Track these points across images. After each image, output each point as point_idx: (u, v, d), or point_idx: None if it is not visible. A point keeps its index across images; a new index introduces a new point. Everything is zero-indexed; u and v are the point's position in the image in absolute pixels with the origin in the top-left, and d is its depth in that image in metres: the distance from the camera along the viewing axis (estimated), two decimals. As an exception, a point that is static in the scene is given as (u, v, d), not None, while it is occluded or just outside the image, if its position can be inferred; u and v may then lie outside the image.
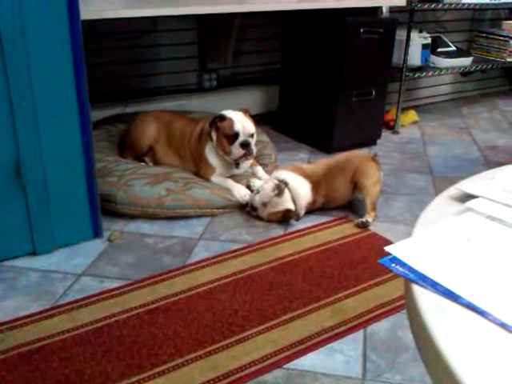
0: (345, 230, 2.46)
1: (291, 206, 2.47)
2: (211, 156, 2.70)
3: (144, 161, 2.85)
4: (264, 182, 2.58)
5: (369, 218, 2.51)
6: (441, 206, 0.95)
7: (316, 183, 2.55)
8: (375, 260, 2.23)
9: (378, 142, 3.60)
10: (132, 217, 2.50)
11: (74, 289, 2.03)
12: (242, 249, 2.29)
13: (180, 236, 2.39)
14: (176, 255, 2.25)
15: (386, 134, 3.74)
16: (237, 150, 2.59)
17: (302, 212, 2.53)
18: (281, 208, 2.47)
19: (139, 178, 2.53)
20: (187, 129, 2.81)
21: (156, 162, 2.85)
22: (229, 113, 2.66)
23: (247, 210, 2.58)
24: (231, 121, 2.60)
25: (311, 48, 3.38)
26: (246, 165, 2.79)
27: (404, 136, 3.80)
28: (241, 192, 2.59)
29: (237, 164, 2.73)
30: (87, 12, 2.23)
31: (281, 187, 2.45)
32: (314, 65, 3.38)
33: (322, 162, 2.73)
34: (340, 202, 2.65)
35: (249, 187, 2.65)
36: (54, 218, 2.21)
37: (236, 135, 2.58)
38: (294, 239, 2.38)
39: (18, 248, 2.18)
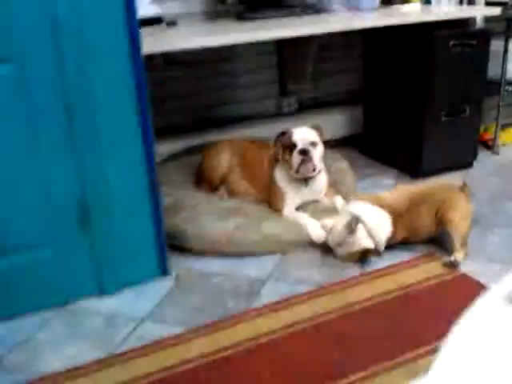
0: (430, 270, 2.21)
1: (368, 244, 2.26)
2: (279, 178, 2.58)
3: (218, 191, 2.76)
4: (336, 219, 2.37)
5: (458, 256, 2.23)
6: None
7: (397, 214, 2.31)
8: (464, 308, 1.96)
9: (475, 164, 3.27)
10: (201, 253, 2.40)
11: (134, 335, 1.96)
12: (311, 292, 2.11)
13: (248, 275, 2.26)
14: (241, 297, 2.12)
15: (483, 154, 3.41)
16: (295, 158, 2.47)
17: (383, 247, 2.30)
18: (356, 248, 2.26)
19: (210, 214, 2.44)
20: (260, 155, 2.71)
21: (231, 193, 2.75)
22: (292, 128, 2.56)
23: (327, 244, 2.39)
24: (290, 133, 2.52)
25: (396, 65, 3.15)
26: (317, 185, 2.61)
27: (504, 157, 3.44)
28: (316, 231, 2.42)
29: (305, 182, 2.57)
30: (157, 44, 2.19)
31: (352, 225, 2.24)
32: (400, 83, 3.14)
33: (404, 189, 2.48)
34: (423, 236, 2.39)
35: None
36: (119, 257, 2.16)
37: (294, 145, 2.48)
38: (370, 281, 2.16)
39: (83, 288, 2.15)
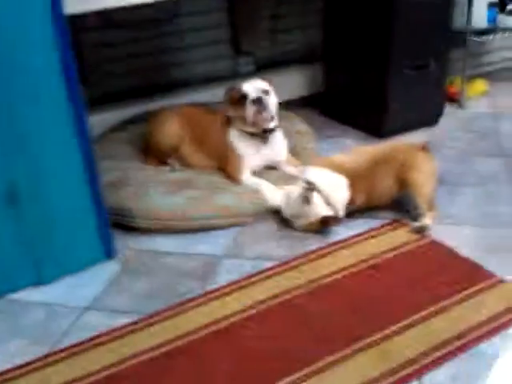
0: (398, 238, 2.05)
1: (326, 212, 2.08)
2: (235, 139, 2.40)
3: (168, 164, 2.54)
4: (289, 188, 2.18)
5: (427, 220, 2.08)
6: None
7: (355, 178, 2.13)
8: (435, 277, 1.82)
9: (441, 120, 3.11)
10: (151, 231, 2.20)
11: (77, 327, 1.76)
12: (272, 268, 1.93)
13: (203, 253, 2.07)
14: (196, 278, 1.93)
15: (450, 109, 3.24)
16: (249, 109, 2.30)
17: (342, 213, 2.13)
18: (314, 217, 2.09)
19: (158, 187, 2.22)
20: (211, 121, 2.50)
21: (184, 165, 2.53)
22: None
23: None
24: (239, 86, 2.37)
25: (356, 19, 2.94)
26: (276, 143, 2.44)
27: (471, 111, 3.28)
28: (273, 195, 2.23)
29: (264, 139, 2.39)
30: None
31: (307, 194, 2.05)
32: (361, 37, 2.93)
33: (362, 151, 2.30)
34: (383, 200, 2.22)
35: None
36: (56, 241, 1.94)
37: (245, 96, 2.31)
38: (335, 252, 2.00)
39: (19, 278, 1.93)
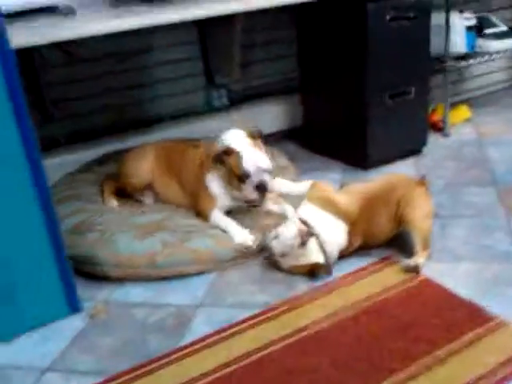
0: (388, 278, 1.88)
1: (319, 259, 1.91)
2: (213, 185, 2.19)
3: (140, 200, 2.38)
4: (284, 223, 2.00)
5: (419, 259, 1.92)
6: None
7: (352, 221, 1.97)
8: (431, 322, 1.65)
9: (425, 149, 2.99)
10: (121, 280, 2.01)
11: (33, 393, 1.56)
12: (253, 317, 1.75)
13: (176, 304, 1.88)
14: (168, 333, 1.74)
15: (434, 138, 3.12)
16: (250, 194, 2.09)
17: (333, 262, 1.97)
18: (305, 262, 1.92)
19: (126, 231, 2.05)
20: (186, 155, 2.33)
21: (156, 200, 2.38)
22: (233, 141, 2.13)
23: (266, 256, 2.04)
24: (239, 157, 2.07)
25: (331, 47, 2.83)
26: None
27: (456, 138, 3.16)
28: (243, 237, 2.06)
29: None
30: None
31: (304, 237, 1.89)
32: (337, 67, 2.83)
33: (359, 189, 2.10)
34: (381, 240, 2.06)
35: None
36: (14, 296, 1.76)
37: (247, 175, 2.06)
38: (321, 297, 1.82)
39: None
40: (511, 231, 2.13)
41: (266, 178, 2.08)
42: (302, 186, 2.16)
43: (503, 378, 1.43)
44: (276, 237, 1.95)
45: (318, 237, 1.91)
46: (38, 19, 2.16)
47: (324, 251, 1.91)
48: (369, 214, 2.00)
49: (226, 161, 2.10)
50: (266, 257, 2.05)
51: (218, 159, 2.12)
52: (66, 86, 2.68)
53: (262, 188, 2.06)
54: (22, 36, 1.77)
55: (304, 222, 1.95)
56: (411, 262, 1.92)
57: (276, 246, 1.96)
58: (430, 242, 1.99)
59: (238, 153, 2.08)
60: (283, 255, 1.95)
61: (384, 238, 2.06)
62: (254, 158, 2.07)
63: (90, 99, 2.78)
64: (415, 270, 1.89)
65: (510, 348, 1.52)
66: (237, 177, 2.08)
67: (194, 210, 2.24)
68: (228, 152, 2.10)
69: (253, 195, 2.08)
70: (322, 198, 2.03)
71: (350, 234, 1.97)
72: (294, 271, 1.95)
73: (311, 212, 2.00)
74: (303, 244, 1.89)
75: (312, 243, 1.90)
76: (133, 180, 2.35)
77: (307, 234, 1.89)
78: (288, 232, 1.92)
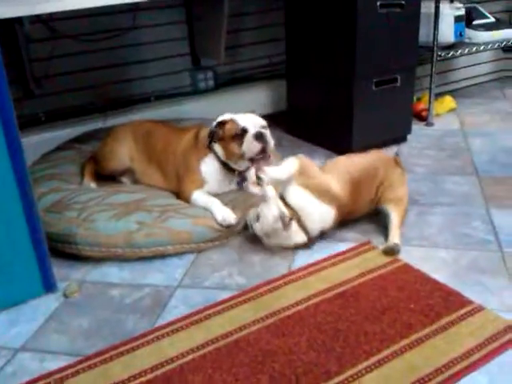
0: (366, 263, 1.88)
1: (301, 240, 1.93)
2: (208, 169, 2.18)
3: (119, 181, 2.36)
4: (265, 204, 1.97)
5: (396, 238, 1.93)
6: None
7: (341, 205, 1.98)
8: (408, 305, 1.65)
9: (409, 137, 2.99)
10: (98, 260, 1.99)
11: (6, 371, 1.53)
12: (230, 299, 1.74)
13: (153, 284, 1.87)
14: (144, 313, 1.72)
15: (418, 126, 3.13)
16: (252, 145, 2.06)
17: (315, 240, 1.98)
18: (288, 243, 1.94)
19: (104, 211, 2.02)
20: (172, 139, 2.31)
21: (135, 181, 2.35)
22: (227, 115, 2.17)
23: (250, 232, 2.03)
24: (233, 120, 2.12)
25: (319, 32, 2.81)
26: (249, 180, 2.24)
27: (440, 128, 3.17)
28: (224, 214, 2.04)
29: (241, 179, 2.21)
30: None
31: (285, 220, 1.88)
32: (324, 52, 2.81)
33: (344, 169, 2.07)
34: (359, 215, 2.10)
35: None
36: (-12, 274, 1.73)
37: (244, 130, 2.08)
38: (299, 280, 1.81)
39: None
40: (489, 220, 2.14)
41: (264, 130, 2.09)
42: (287, 167, 2.04)
43: (477, 361, 1.43)
44: (258, 218, 1.95)
45: (300, 219, 1.91)
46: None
47: (307, 232, 1.92)
48: (354, 197, 2.01)
49: (222, 131, 2.11)
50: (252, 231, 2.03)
51: (213, 134, 2.13)
52: (49, 63, 2.63)
53: (261, 138, 2.06)
54: (5, 8, 1.73)
55: (287, 204, 1.93)
56: (389, 242, 1.92)
57: (258, 227, 1.96)
58: (403, 223, 2.04)
59: (231, 119, 2.13)
60: (266, 236, 1.95)
61: (361, 214, 2.10)
62: (248, 117, 2.14)
63: (72, 76, 2.74)
64: (394, 250, 1.90)
65: (485, 332, 1.52)
66: (235, 138, 2.08)
67: (175, 192, 2.21)
68: (222, 122, 2.13)
69: (255, 147, 2.06)
70: (312, 184, 1.97)
71: (336, 215, 1.97)
72: (275, 248, 1.96)
73: (298, 195, 1.96)
74: (285, 227, 1.89)
75: (295, 226, 1.90)
76: (111, 163, 2.33)
77: (288, 217, 1.88)
78: (269, 214, 1.91)
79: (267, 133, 2.10)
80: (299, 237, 1.94)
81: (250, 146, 2.07)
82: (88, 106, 2.82)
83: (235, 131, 2.09)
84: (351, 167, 2.08)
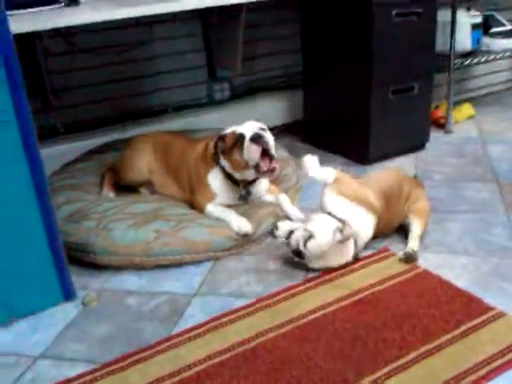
0: (386, 269, 1.87)
1: (351, 255, 1.89)
2: (215, 181, 2.18)
3: (139, 192, 2.37)
4: (316, 220, 1.87)
5: (415, 246, 1.91)
6: None
7: (379, 215, 1.96)
8: (428, 312, 1.63)
9: (428, 145, 2.97)
10: (116, 268, 2.00)
11: (26, 378, 1.54)
12: (247, 306, 1.74)
13: (171, 292, 1.87)
14: (162, 321, 1.72)
15: (436, 134, 3.10)
16: (251, 148, 2.03)
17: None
18: (345, 259, 1.87)
19: (122, 220, 2.03)
20: (186, 151, 2.32)
21: (153, 192, 2.36)
22: (230, 129, 2.16)
23: (293, 256, 1.90)
24: (231, 131, 2.13)
25: (335, 42, 2.82)
26: (260, 190, 2.24)
27: (459, 135, 3.14)
28: (240, 223, 2.04)
29: (246, 193, 2.19)
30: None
31: (344, 231, 1.81)
32: (341, 61, 2.81)
33: (376, 184, 2.03)
34: (391, 230, 2.08)
35: (273, 233, 1.95)
36: (7, 282, 1.74)
37: (242, 136, 2.06)
38: (316, 287, 1.80)
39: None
40: (510, 227, 2.11)
41: (262, 132, 2.07)
42: (326, 173, 2.00)
43: (499, 368, 1.41)
44: (310, 237, 1.81)
45: (353, 231, 1.84)
46: (41, 9, 2.15)
47: (356, 246, 1.88)
48: (388, 209, 1.99)
49: (225, 143, 2.11)
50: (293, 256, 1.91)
51: (216, 148, 2.13)
52: (67, 76, 2.67)
53: (258, 139, 2.02)
54: (22, 23, 1.76)
55: (341, 221, 1.84)
56: (408, 249, 1.90)
57: (313, 246, 1.81)
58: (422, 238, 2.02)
59: (232, 131, 2.12)
60: (321, 255, 1.84)
61: (393, 228, 2.08)
62: (246, 124, 2.12)
63: (90, 89, 2.77)
64: (413, 256, 1.88)
65: (507, 338, 1.50)
66: (235, 146, 2.06)
67: (190, 204, 2.22)
68: (224, 136, 2.13)
69: (255, 150, 2.02)
70: (350, 191, 1.93)
71: (376, 226, 1.95)
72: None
73: (343, 205, 1.89)
74: (345, 239, 1.82)
75: (350, 241, 1.85)
76: (130, 174, 2.34)
77: (347, 229, 1.82)
78: (325, 228, 1.82)
79: (265, 134, 2.07)
80: (351, 252, 1.87)
81: (250, 149, 2.04)
82: (106, 117, 2.85)
83: (234, 140, 2.08)
84: (382, 181, 2.07)
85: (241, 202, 2.21)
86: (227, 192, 2.18)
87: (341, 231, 1.80)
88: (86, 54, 2.68)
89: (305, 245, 1.82)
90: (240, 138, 2.06)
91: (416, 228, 1.98)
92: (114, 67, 2.80)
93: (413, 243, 1.94)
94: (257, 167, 2.06)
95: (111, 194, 2.31)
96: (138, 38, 2.81)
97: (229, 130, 2.15)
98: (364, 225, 1.90)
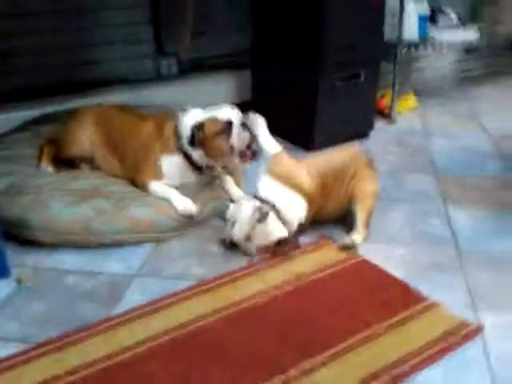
0: (326, 257, 1.89)
1: (282, 233, 1.89)
2: (169, 165, 2.11)
3: (78, 167, 2.29)
4: (237, 204, 1.95)
5: (357, 237, 1.95)
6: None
7: (311, 199, 1.96)
8: (364, 301, 1.67)
9: (371, 134, 3.02)
10: (53, 246, 1.94)
11: (-47, 359, 1.48)
12: (188, 289, 1.73)
13: (111, 272, 1.83)
14: (100, 301, 1.69)
15: (380, 124, 3.16)
16: (242, 137, 2.03)
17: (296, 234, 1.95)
18: (271, 238, 1.88)
19: (61, 196, 1.97)
20: (134, 127, 2.24)
21: (94, 168, 2.29)
22: (198, 113, 2.09)
23: (227, 244, 1.95)
24: (211, 118, 2.04)
25: (286, 23, 2.80)
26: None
27: (402, 126, 3.21)
28: (185, 204, 2.02)
29: (212, 178, 2.19)
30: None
31: (262, 211, 1.85)
32: (290, 44, 2.80)
33: (317, 165, 2.05)
34: (334, 216, 2.08)
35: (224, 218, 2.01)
36: None
37: (229, 123, 2.02)
38: (259, 272, 1.81)
39: None
40: (447, 218, 2.18)
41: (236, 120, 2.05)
42: (272, 143, 2.07)
43: (432, 357, 1.46)
44: (233, 223, 1.89)
45: (277, 211, 1.88)
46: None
47: (285, 223, 1.89)
48: (325, 192, 1.99)
49: (202, 132, 2.03)
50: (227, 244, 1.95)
51: (193, 138, 2.04)
52: (8, 40, 2.54)
53: (246, 126, 2.03)
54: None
55: (261, 199, 1.90)
56: (347, 239, 1.94)
57: (238, 230, 1.88)
58: (369, 223, 2.01)
59: (209, 117, 2.04)
60: (248, 238, 1.88)
61: (337, 213, 2.07)
62: (224, 109, 2.08)
63: (32, 55, 2.65)
64: (351, 247, 1.92)
65: (440, 328, 1.55)
66: (220, 134, 2.02)
67: (131, 181, 2.16)
68: (201, 124, 2.04)
69: (245, 137, 2.02)
70: (283, 173, 1.97)
71: (308, 210, 1.95)
72: (261, 251, 1.90)
73: (271, 187, 1.94)
74: (262, 219, 1.84)
75: (273, 219, 1.87)
76: (72, 148, 2.25)
77: (264, 208, 1.86)
78: (244, 209, 1.88)
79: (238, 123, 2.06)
80: (279, 230, 1.89)
81: (241, 136, 2.02)
82: (47, 87, 2.73)
83: (219, 127, 2.03)
84: (322, 163, 2.08)
85: (193, 180, 2.17)
86: (179, 177, 2.13)
87: (259, 210, 1.85)
88: (31, 18, 2.55)
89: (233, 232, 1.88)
90: (228, 126, 2.02)
91: (360, 215, 1.99)
92: (59, 34, 2.69)
93: (356, 235, 1.96)
94: (242, 153, 2.05)
95: (50, 169, 2.22)
96: (87, 5, 2.70)
97: (199, 118, 2.05)
98: (294, 208, 1.93)
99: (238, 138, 2.02)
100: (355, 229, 1.98)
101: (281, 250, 1.88)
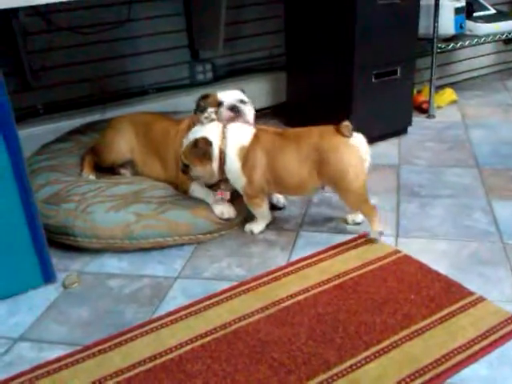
0: (365, 254, 1.88)
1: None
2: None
3: (120, 173, 2.34)
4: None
5: (375, 226, 1.91)
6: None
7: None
8: (408, 297, 1.65)
9: (410, 129, 2.98)
10: (96, 251, 1.98)
11: (4, 360, 1.53)
12: (229, 289, 1.74)
13: (152, 275, 1.86)
14: (143, 304, 1.71)
15: (418, 119, 3.12)
16: (223, 113, 2.11)
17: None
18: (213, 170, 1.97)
19: (102, 202, 2.01)
20: (169, 131, 2.29)
21: (135, 173, 2.34)
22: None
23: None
24: (214, 94, 2.18)
25: (319, 25, 2.79)
26: None
27: (441, 120, 3.16)
28: (223, 208, 2.04)
29: None
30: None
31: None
32: (324, 44, 2.79)
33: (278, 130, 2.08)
34: (296, 188, 1.95)
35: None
36: (-14, 265, 1.72)
37: (220, 103, 2.13)
38: (298, 271, 1.81)
39: None
40: (490, 212, 2.13)
41: (240, 104, 2.13)
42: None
43: (478, 352, 1.43)
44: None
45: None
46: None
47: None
48: (277, 157, 1.92)
49: (206, 103, 2.15)
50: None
51: (197, 106, 2.18)
52: (47, 55, 2.62)
53: (233, 108, 2.10)
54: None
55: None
56: (372, 233, 1.91)
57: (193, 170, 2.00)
58: (368, 203, 1.90)
59: (213, 94, 2.18)
60: (195, 171, 1.99)
61: (300, 187, 1.93)
62: (229, 92, 2.19)
63: (70, 68, 2.72)
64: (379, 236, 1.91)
65: (486, 323, 1.52)
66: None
67: (174, 184, 2.20)
68: (206, 96, 2.19)
69: (226, 113, 2.10)
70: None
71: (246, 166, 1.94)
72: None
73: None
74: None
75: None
76: (111, 155, 2.31)
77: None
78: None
79: (244, 107, 2.13)
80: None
81: (223, 114, 2.09)
82: (86, 98, 2.80)
83: (214, 104, 2.13)
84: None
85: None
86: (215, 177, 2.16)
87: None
88: (65, 33, 2.63)
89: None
90: (219, 105, 2.13)
91: (348, 203, 1.95)
92: (94, 47, 2.75)
93: (374, 225, 1.91)
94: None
95: (92, 176, 2.28)
96: (120, 17, 2.76)
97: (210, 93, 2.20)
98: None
99: (221, 115, 2.10)
100: (370, 221, 1.92)
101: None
